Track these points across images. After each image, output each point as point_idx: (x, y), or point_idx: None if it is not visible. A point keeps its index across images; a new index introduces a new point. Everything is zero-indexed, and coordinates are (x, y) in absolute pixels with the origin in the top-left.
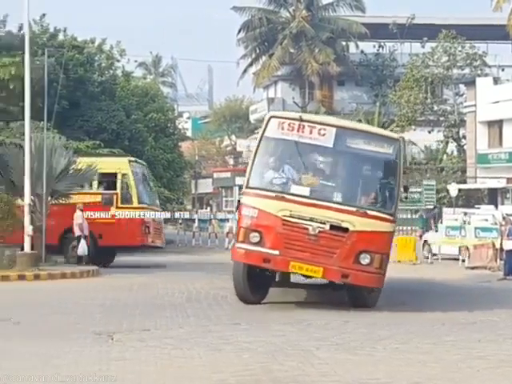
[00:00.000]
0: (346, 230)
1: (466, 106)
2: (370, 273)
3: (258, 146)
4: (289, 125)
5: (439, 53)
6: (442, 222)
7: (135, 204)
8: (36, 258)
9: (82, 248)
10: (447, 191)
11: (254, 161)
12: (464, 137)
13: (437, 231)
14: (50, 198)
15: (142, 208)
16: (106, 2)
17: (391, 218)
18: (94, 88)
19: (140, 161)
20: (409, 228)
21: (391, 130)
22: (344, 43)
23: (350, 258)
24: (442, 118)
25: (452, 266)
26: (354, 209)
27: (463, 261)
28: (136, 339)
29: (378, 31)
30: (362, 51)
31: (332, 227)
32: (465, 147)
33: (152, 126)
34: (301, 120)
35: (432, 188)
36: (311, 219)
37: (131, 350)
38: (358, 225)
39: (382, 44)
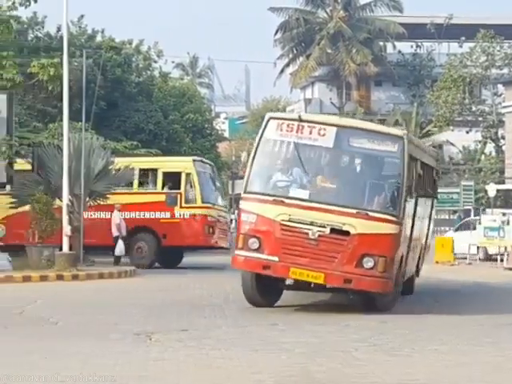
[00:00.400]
0: (347, 233)
1: (504, 107)
2: (374, 277)
3: (257, 149)
4: (288, 126)
5: (477, 53)
6: (480, 223)
7: (199, 203)
8: (74, 259)
9: (120, 248)
10: (485, 192)
11: (252, 164)
12: (503, 137)
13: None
14: (87, 199)
15: (206, 208)
16: (143, 2)
17: (395, 219)
18: (131, 89)
19: (206, 160)
20: (447, 228)
21: (428, 131)
22: (381, 43)
23: (353, 262)
24: (480, 119)
25: (490, 266)
26: (354, 211)
27: (501, 261)
28: (174, 339)
29: (416, 31)
30: (399, 51)
31: (332, 231)
32: (503, 148)
33: (189, 126)
34: (300, 120)
35: (470, 189)
36: (311, 223)
37: (170, 350)
38: (360, 227)
39: (420, 44)
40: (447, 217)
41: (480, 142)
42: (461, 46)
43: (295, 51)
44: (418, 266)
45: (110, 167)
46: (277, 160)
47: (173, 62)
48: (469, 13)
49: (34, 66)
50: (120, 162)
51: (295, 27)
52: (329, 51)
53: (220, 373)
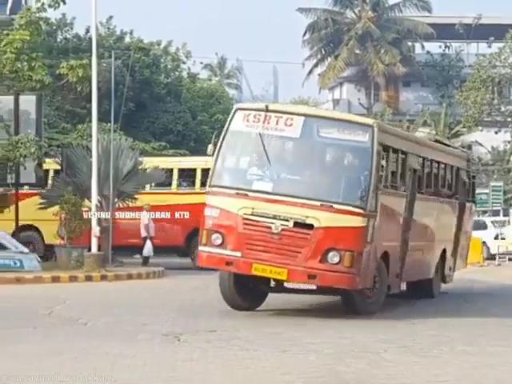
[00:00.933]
0: (310, 226)
1: None
2: (340, 272)
3: (222, 142)
4: (254, 116)
5: (506, 53)
6: (510, 223)
7: None
8: (103, 259)
9: (148, 249)
10: None
11: (217, 157)
12: None
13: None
14: (116, 200)
15: None
16: (171, 3)
17: (362, 211)
18: (159, 90)
19: None
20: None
21: (457, 132)
22: (410, 44)
23: (317, 257)
24: (509, 119)
25: None
26: (319, 203)
27: None
28: (203, 340)
29: (445, 31)
30: (427, 52)
31: (296, 224)
32: None
33: (218, 127)
34: (267, 110)
35: (499, 189)
36: (274, 217)
37: (198, 350)
38: (324, 220)
39: (449, 44)
40: (476, 217)
41: (509, 142)
42: (489, 47)
43: (323, 52)
44: (442, 271)
45: (139, 168)
46: (242, 152)
47: (201, 63)
48: (498, 13)
49: (62, 67)
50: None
51: (323, 28)
52: (357, 52)
53: (248, 373)
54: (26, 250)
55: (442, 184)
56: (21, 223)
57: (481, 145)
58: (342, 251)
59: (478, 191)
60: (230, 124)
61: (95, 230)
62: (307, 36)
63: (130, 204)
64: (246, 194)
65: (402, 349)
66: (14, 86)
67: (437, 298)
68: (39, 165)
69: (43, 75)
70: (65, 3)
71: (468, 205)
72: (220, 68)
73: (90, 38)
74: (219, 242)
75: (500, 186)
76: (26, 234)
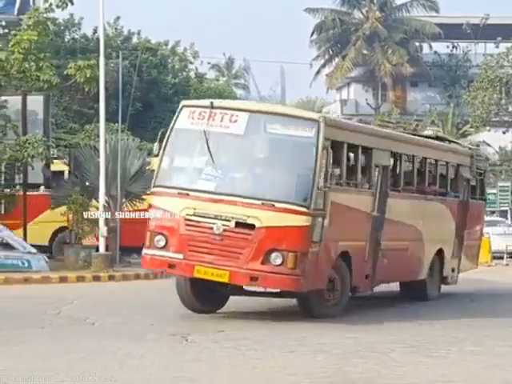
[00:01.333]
0: (252, 226)
1: None
2: (283, 274)
3: (167, 140)
4: (199, 113)
5: None
6: None
7: None
8: (111, 259)
9: None
10: None
11: (162, 156)
12: None
13: None
14: (123, 200)
15: None
16: (179, 3)
17: (306, 210)
18: (167, 90)
19: None
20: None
21: (465, 132)
22: (417, 44)
23: (259, 259)
24: None
25: None
26: (260, 202)
27: None
28: (210, 340)
29: (452, 31)
30: (435, 52)
31: (238, 224)
32: None
33: None
34: (212, 107)
35: (507, 189)
36: (216, 217)
37: (206, 351)
38: (266, 220)
39: (456, 44)
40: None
41: None
42: (497, 47)
43: (331, 52)
44: (441, 272)
45: (147, 168)
46: (187, 151)
47: (208, 63)
48: (505, 13)
49: (70, 67)
50: None
51: (331, 28)
52: (365, 52)
53: (256, 374)
54: (33, 250)
55: (432, 181)
56: (60, 225)
57: (488, 145)
58: (284, 252)
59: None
60: (175, 122)
61: (103, 230)
62: (315, 36)
63: (138, 204)
64: (188, 194)
65: (409, 349)
66: (21, 86)
67: (444, 298)
68: (47, 165)
69: (51, 75)
70: (72, 4)
71: (474, 203)
72: (227, 68)
73: (98, 39)
74: (162, 244)
75: (508, 187)
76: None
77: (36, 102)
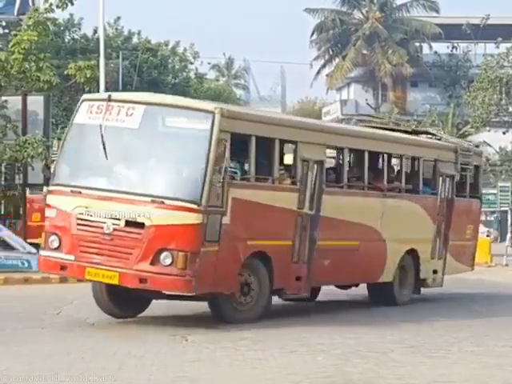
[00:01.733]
0: (142, 225)
1: None
2: (172, 275)
3: (66, 136)
4: (98, 107)
5: None
6: None
7: None
8: None
9: None
10: None
11: (60, 154)
12: None
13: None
14: None
15: None
16: (179, 4)
17: (197, 207)
18: (167, 90)
19: None
20: (485, 229)
21: (465, 132)
22: (417, 44)
23: (148, 259)
24: None
25: None
26: (150, 199)
27: None
28: (210, 341)
29: (452, 32)
30: (435, 52)
31: (128, 223)
32: None
33: None
34: (109, 100)
35: (507, 189)
36: (106, 216)
37: (206, 351)
38: (155, 218)
39: (456, 45)
40: (484, 217)
41: None
42: (497, 47)
43: (331, 52)
44: (417, 274)
45: None
46: (84, 146)
47: (209, 64)
48: (506, 13)
49: (70, 67)
50: None
51: (331, 28)
52: (365, 52)
53: (256, 374)
54: (33, 250)
55: (395, 177)
56: None
57: (489, 145)
58: (174, 252)
59: (485, 191)
60: (74, 117)
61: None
62: (315, 36)
63: None
64: (80, 192)
65: (409, 349)
66: (21, 86)
67: (444, 298)
68: (47, 165)
69: (51, 76)
70: (72, 4)
71: (462, 201)
72: (227, 68)
73: (98, 39)
74: (56, 244)
75: (508, 187)
76: None
77: (36, 103)
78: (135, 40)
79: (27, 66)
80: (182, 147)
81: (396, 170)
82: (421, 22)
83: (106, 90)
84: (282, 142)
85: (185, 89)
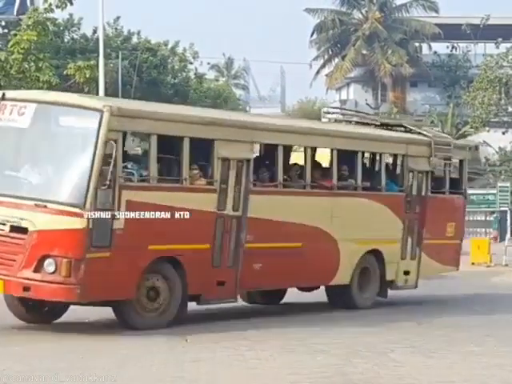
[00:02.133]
0: (25, 230)
1: None
2: (56, 283)
3: None
4: None
5: None
6: None
7: None
8: None
9: None
10: None
11: None
12: None
13: None
14: None
15: None
16: (178, 4)
17: (79, 211)
18: (167, 90)
19: None
20: (483, 230)
21: (464, 132)
22: (417, 44)
23: (31, 266)
24: None
25: None
26: (33, 203)
27: None
28: (210, 341)
29: (452, 32)
30: (435, 52)
31: (13, 228)
32: None
33: None
34: (2, 99)
35: (507, 190)
36: None
37: (205, 351)
38: (39, 223)
39: (456, 45)
40: (483, 218)
41: None
42: (497, 47)
43: (331, 52)
44: (383, 276)
45: None
46: None
47: (208, 64)
48: (506, 13)
49: (70, 67)
50: None
51: (331, 28)
52: (364, 52)
53: (255, 374)
54: None
55: (349, 175)
56: None
57: (488, 145)
58: (58, 258)
59: (485, 192)
60: None
61: None
62: (314, 36)
63: None
64: None
65: (409, 349)
66: (21, 86)
67: (443, 298)
68: None
69: (50, 76)
70: (72, 4)
71: (438, 197)
72: (227, 68)
73: (97, 39)
74: None
75: (507, 187)
76: None
77: None
78: (135, 40)
79: (27, 65)
80: (70, 148)
81: (351, 167)
82: (420, 22)
83: (106, 90)
84: (195, 140)
85: (184, 89)
